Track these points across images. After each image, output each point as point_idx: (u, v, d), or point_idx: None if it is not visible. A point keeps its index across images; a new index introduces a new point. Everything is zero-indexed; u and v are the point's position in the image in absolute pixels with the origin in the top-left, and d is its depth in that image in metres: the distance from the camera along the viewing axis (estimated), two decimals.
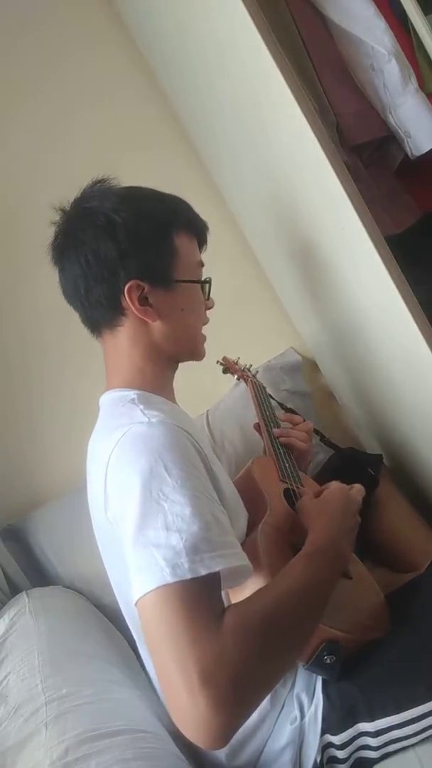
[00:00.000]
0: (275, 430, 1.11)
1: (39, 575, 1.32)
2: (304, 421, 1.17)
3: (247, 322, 1.50)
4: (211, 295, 0.95)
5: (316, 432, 1.36)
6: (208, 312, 0.96)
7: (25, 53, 1.40)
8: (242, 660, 0.61)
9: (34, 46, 1.40)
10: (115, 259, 0.83)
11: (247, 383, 1.31)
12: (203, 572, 0.63)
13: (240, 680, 0.60)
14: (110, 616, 1.17)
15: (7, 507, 1.39)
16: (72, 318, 0.96)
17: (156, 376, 0.89)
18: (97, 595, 1.23)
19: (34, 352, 1.43)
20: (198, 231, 0.93)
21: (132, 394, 0.83)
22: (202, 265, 0.94)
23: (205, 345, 0.96)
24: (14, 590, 1.23)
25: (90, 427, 0.89)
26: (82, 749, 0.69)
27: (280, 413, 1.27)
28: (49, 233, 0.92)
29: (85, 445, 0.90)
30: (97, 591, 1.23)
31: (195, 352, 0.94)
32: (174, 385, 0.94)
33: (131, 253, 0.84)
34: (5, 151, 1.40)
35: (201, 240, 0.95)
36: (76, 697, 0.80)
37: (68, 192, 0.89)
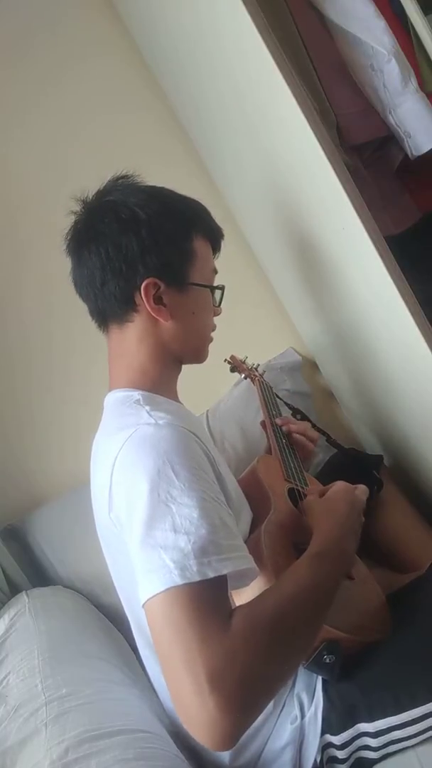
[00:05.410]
0: (292, 426, 1.11)
1: (39, 575, 1.32)
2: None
3: (247, 322, 1.50)
4: (221, 303, 0.96)
5: (322, 432, 1.36)
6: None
7: (27, 56, 1.40)
8: (250, 661, 0.61)
9: (36, 48, 1.40)
10: (136, 254, 0.83)
11: (254, 382, 1.31)
12: (211, 575, 0.63)
13: (248, 681, 0.60)
14: (110, 616, 1.17)
15: (7, 507, 1.39)
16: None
17: (161, 375, 0.89)
18: (97, 595, 1.23)
19: (36, 353, 1.43)
20: (214, 237, 0.94)
21: (137, 394, 0.83)
22: (215, 272, 0.95)
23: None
24: (14, 590, 1.23)
25: (91, 427, 0.89)
26: (82, 749, 0.69)
27: (286, 413, 1.27)
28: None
29: (86, 445, 0.90)
30: (97, 591, 1.23)
31: (199, 356, 0.95)
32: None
33: (152, 249, 0.84)
34: (9, 150, 1.41)
35: (215, 247, 0.95)
36: (76, 697, 0.80)
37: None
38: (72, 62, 1.42)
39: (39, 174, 1.41)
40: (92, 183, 0.90)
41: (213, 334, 0.96)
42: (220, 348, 1.02)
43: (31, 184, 1.41)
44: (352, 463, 1.28)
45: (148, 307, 0.85)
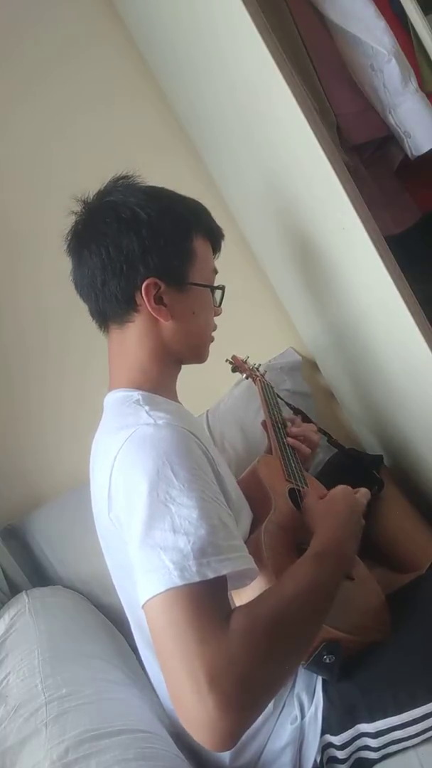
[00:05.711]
0: (292, 429, 1.11)
1: (39, 575, 1.32)
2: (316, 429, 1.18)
3: (247, 322, 1.50)
4: (221, 303, 0.96)
5: (323, 433, 1.36)
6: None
7: (25, 53, 1.40)
8: (249, 661, 0.61)
9: (34, 45, 1.40)
10: (137, 254, 0.84)
11: (255, 382, 1.31)
12: (211, 575, 0.63)
13: (247, 682, 0.60)
14: (110, 616, 1.17)
15: (7, 507, 1.38)
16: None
17: (161, 375, 0.89)
18: (97, 595, 1.23)
19: (35, 352, 1.42)
20: (214, 237, 0.94)
21: (136, 394, 0.84)
22: (215, 272, 0.95)
23: None
24: (14, 590, 1.23)
25: (91, 427, 0.89)
26: (82, 749, 0.69)
27: (286, 413, 1.27)
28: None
29: (85, 444, 0.91)
30: (97, 591, 1.23)
31: (200, 356, 0.95)
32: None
33: (153, 250, 0.84)
34: (9, 150, 1.41)
35: (216, 247, 0.96)
36: (76, 697, 0.80)
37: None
38: (71, 62, 1.42)
39: (38, 174, 1.41)
40: (92, 183, 0.90)
41: (213, 334, 0.96)
42: (220, 348, 1.02)
43: (31, 185, 1.41)
44: (352, 463, 1.28)
45: (149, 307, 0.85)
